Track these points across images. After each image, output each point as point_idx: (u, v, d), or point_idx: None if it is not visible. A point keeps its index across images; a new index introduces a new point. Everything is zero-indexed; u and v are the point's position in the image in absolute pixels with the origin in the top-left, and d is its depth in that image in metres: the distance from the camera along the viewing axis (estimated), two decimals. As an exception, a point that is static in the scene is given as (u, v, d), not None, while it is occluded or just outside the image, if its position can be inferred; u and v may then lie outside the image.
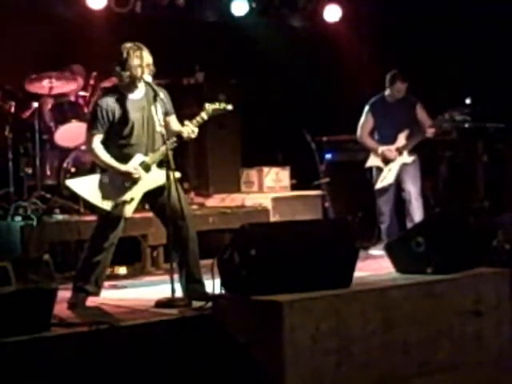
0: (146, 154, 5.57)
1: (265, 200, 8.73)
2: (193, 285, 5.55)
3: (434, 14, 9.28)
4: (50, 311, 4.51)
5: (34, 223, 6.70)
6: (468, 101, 9.08)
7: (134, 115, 5.52)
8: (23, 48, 8.00)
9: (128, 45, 5.49)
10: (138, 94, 5.57)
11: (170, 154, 5.44)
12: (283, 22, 10.11)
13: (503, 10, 8.76)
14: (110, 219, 5.55)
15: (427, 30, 9.25)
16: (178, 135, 5.59)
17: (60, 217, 7.08)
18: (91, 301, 5.68)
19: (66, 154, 7.69)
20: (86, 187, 5.56)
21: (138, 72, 5.44)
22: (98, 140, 5.49)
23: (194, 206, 8.41)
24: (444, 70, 9.22)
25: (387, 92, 7.78)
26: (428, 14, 9.31)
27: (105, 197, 5.50)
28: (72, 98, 7.89)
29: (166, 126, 5.55)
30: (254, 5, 9.61)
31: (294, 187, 9.51)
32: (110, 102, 5.50)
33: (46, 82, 7.65)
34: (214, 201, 9.07)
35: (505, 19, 8.80)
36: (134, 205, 5.57)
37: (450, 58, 9.23)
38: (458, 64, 9.15)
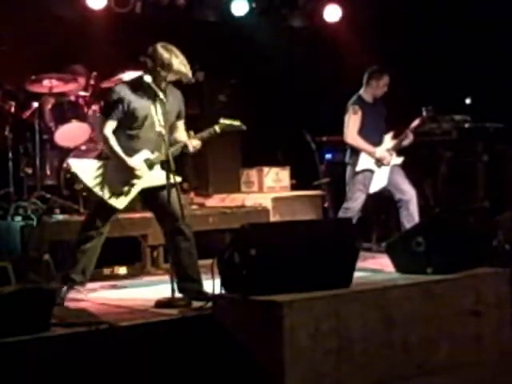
0: (152, 152, 5.59)
1: (265, 200, 8.73)
2: (188, 284, 5.54)
3: (434, 14, 9.29)
4: (49, 311, 4.51)
5: (34, 223, 6.70)
6: (468, 101, 9.07)
7: (149, 110, 5.53)
8: (23, 48, 8.00)
9: (169, 47, 5.49)
10: (157, 91, 5.52)
11: (171, 154, 5.45)
12: (283, 21, 10.11)
13: (503, 10, 8.76)
14: (102, 208, 5.58)
15: (427, 29, 9.25)
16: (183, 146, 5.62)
17: (60, 217, 7.08)
18: (91, 301, 5.70)
19: (65, 154, 7.68)
20: (87, 171, 5.57)
21: (171, 77, 5.48)
22: (111, 126, 5.51)
23: (194, 206, 8.42)
24: (444, 70, 9.21)
25: (366, 91, 7.44)
26: (428, 14, 9.31)
27: (103, 184, 5.52)
28: (72, 98, 7.89)
29: (173, 129, 5.62)
30: (254, 5, 9.62)
31: (293, 187, 9.51)
32: (128, 91, 5.50)
33: (46, 82, 7.65)
34: (214, 201, 9.08)
35: (505, 19, 8.80)
36: (128, 198, 5.59)
37: (450, 58, 9.22)
38: (457, 64, 9.14)
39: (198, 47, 9.38)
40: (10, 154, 7.44)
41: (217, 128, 5.77)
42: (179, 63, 5.47)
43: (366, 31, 9.23)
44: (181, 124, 5.74)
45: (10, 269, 4.38)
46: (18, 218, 6.88)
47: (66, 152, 7.71)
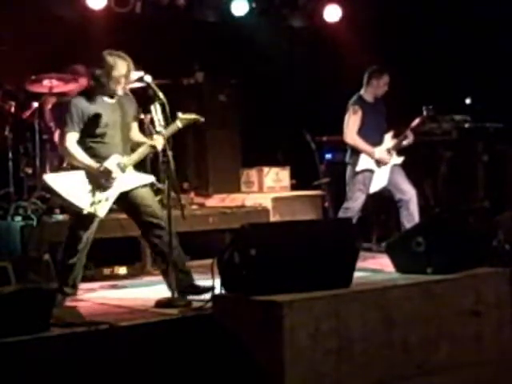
0: (121, 155, 5.64)
1: (265, 200, 8.73)
2: (180, 275, 5.57)
3: (434, 14, 9.29)
4: (49, 311, 4.51)
5: (34, 223, 6.70)
6: (468, 101, 9.06)
7: (109, 117, 5.60)
8: (23, 48, 8.00)
9: (115, 53, 5.58)
10: (113, 98, 5.65)
11: (170, 154, 5.46)
12: (283, 22, 10.11)
13: (503, 10, 8.76)
14: (83, 218, 5.58)
15: (427, 29, 9.25)
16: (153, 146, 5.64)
17: (60, 217, 7.07)
18: (91, 301, 5.70)
19: (66, 154, 7.68)
20: (63, 184, 5.55)
21: (122, 82, 5.55)
22: (72, 138, 5.54)
23: (194, 206, 8.42)
24: (444, 70, 9.21)
25: (366, 91, 7.47)
26: (428, 14, 9.31)
27: (80, 195, 5.50)
28: (72, 98, 7.88)
29: (129, 130, 5.73)
30: (254, 5, 9.62)
31: (293, 187, 9.51)
32: (84, 101, 5.57)
33: (46, 82, 7.65)
34: (214, 201, 9.08)
35: (505, 19, 8.79)
36: (108, 205, 5.60)
37: (450, 58, 9.22)
38: (457, 64, 9.14)
39: (198, 47, 9.41)
40: (10, 154, 7.44)
41: (178, 123, 5.80)
42: (128, 69, 5.54)
43: (366, 31, 9.23)
44: (135, 125, 5.85)
45: (10, 269, 4.38)
46: (18, 218, 6.88)
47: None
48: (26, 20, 8.08)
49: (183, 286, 5.55)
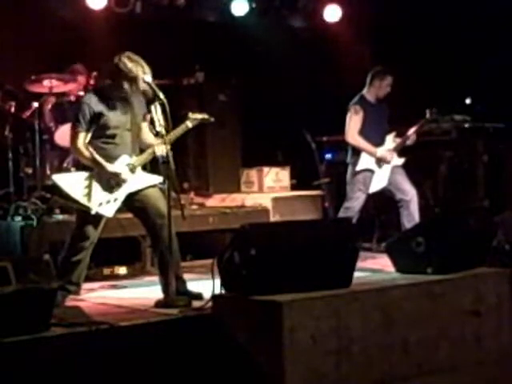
0: (130, 156, 5.64)
1: (265, 200, 8.73)
2: (177, 283, 5.56)
3: (433, 14, 9.29)
4: (50, 311, 4.51)
5: (34, 223, 6.70)
6: (468, 101, 9.07)
7: (120, 118, 5.61)
8: (23, 48, 8.01)
9: (133, 57, 5.55)
10: (125, 99, 5.64)
11: (170, 154, 5.47)
12: (283, 22, 10.11)
13: (503, 10, 8.76)
14: (91, 218, 5.58)
15: (427, 29, 9.25)
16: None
17: (60, 217, 7.07)
18: (91, 301, 5.70)
19: (65, 154, 7.68)
20: (72, 184, 5.56)
21: (138, 85, 5.54)
22: (84, 138, 5.54)
23: (194, 206, 8.42)
24: (444, 70, 9.21)
25: (369, 92, 7.49)
26: (428, 14, 9.31)
27: (89, 195, 5.52)
28: (72, 98, 7.89)
29: (139, 131, 5.71)
30: (253, 5, 9.61)
31: (293, 187, 9.51)
32: (96, 101, 5.56)
33: (46, 82, 7.65)
34: (214, 201, 9.08)
35: (504, 19, 8.80)
36: (116, 205, 5.62)
37: (450, 58, 9.23)
38: (457, 64, 9.14)
39: (198, 47, 9.41)
40: (10, 154, 7.44)
41: (188, 123, 5.86)
42: (143, 73, 5.52)
43: (366, 31, 9.23)
44: (145, 126, 5.83)
45: (9, 269, 4.38)
46: (18, 218, 6.88)
47: (65, 152, 7.70)
48: (25, 20, 8.08)
49: (178, 291, 5.53)
